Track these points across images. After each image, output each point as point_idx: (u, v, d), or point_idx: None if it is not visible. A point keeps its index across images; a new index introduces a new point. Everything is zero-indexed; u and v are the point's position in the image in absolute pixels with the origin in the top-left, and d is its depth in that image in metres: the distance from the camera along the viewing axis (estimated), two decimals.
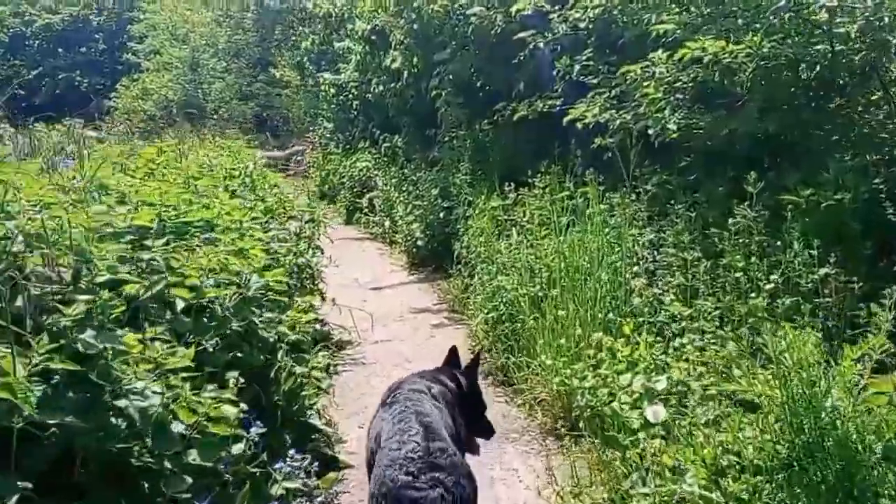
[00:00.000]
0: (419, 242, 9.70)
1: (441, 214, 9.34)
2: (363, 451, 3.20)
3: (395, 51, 10.92)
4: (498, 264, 6.41)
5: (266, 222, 5.58)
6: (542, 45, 7.91)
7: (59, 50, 35.35)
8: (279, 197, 7.53)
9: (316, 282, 7.00)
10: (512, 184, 7.51)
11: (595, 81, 7.50)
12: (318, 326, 5.78)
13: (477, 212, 7.85)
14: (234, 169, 6.96)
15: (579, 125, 6.77)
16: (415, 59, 10.61)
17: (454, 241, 8.78)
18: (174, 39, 33.30)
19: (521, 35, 8.06)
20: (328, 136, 17.92)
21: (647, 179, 6.71)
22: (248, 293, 3.92)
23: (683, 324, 4.62)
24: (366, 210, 12.99)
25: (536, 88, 8.56)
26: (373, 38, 12.13)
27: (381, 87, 13.05)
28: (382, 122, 14.21)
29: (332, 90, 15.77)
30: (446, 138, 10.16)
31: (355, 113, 15.93)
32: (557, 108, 7.55)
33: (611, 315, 5.03)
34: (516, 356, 5.64)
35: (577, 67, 7.67)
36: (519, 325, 5.69)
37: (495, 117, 8.64)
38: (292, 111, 27.13)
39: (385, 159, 12.92)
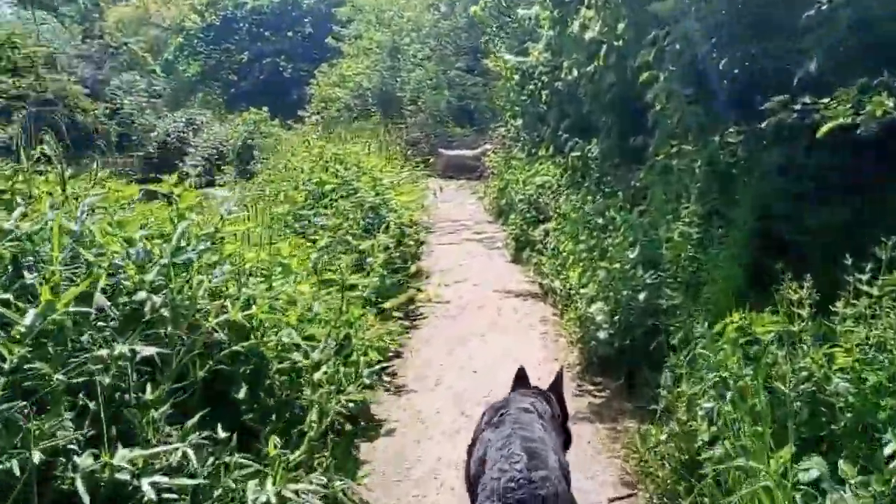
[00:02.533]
0: (601, 334, 5.62)
1: (641, 295, 5.20)
2: None
3: (589, 9, 6.86)
4: None
5: None
6: None
7: (267, 34, 34.71)
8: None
9: None
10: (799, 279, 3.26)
11: None
12: None
13: (720, 330, 3.66)
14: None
15: None
16: (619, 24, 6.48)
17: (664, 348, 4.70)
18: (378, 23, 31.20)
19: None
20: (513, 135, 14.18)
21: None
22: None
23: None
24: (539, 246, 9.04)
25: (843, 69, 4.17)
26: None
27: (574, 72, 9.08)
28: (576, 121, 10.18)
29: (516, 77, 11.94)
30: (660, 155, 5.94)
31: (545, 107, 11.98)
32: None
33: None
34: None
35: None
36: None
37: (763, 124, 4.29)
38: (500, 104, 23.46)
39: (570, 176, 8.87)
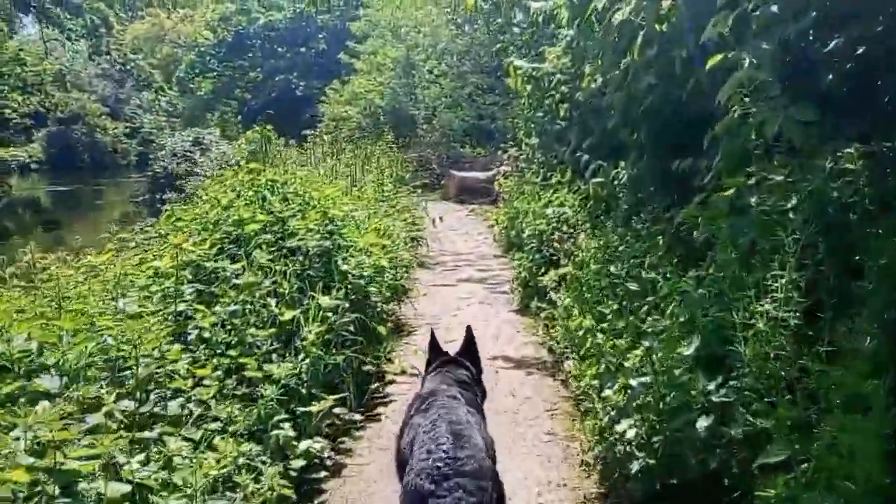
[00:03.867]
0: (633, 464, 3.59)
1: (703, 421, 3.17)
2: None
3: None
4: None
5: None
6: None
7: (280, 50, 33.14)
8: None
9: None
10: None
11: None
12: None
13: None
14: None
15: None
16: None
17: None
18: (394, 38, 29.55)
19: None
20: (527, 156, 12.24)
21: None
22: None
23: None
24: (552, 295, 7.00)
25: None
26: None
27: (599, 79, 7.18)
28: (601, 140, 8.20)
29: (528, 87, 9.99)
30: (724, 186, 3.89)
31: (563, 123, 10.02)
32: None
33: None
34: None
35: None
36: None
37: None
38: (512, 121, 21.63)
39: (591, 208, 6.87)
